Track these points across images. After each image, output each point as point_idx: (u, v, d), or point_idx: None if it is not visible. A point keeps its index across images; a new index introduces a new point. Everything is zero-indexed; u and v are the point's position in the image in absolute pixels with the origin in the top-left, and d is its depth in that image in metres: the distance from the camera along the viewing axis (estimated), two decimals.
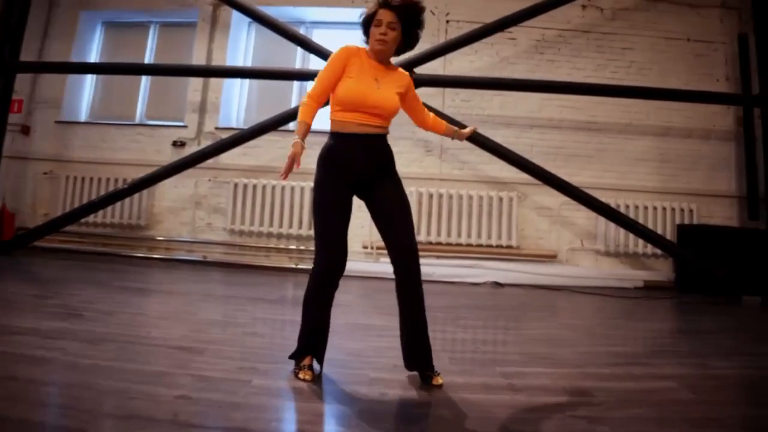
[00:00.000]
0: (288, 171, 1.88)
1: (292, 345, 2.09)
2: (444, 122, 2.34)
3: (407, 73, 2.13)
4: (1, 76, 5.35)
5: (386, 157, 2.03)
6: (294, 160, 1.87)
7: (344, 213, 1.98)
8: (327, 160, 1.99)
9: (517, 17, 5.07)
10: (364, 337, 2.74)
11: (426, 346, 2.00)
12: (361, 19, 2.05)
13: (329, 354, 2.10)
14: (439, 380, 1.95)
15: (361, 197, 2.04)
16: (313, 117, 1.99)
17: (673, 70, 5.72)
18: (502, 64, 5.64)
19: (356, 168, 1.96)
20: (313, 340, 2.02)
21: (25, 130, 5.91)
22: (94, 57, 6.30)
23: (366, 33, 2.03)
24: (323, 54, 4.98)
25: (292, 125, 5.24)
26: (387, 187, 2.00)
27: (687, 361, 2.51)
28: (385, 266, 4.97)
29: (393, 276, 1.99)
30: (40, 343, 2.18)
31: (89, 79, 6.23)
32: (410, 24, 1.98)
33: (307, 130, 1.96)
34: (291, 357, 2.06)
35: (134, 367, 1.98)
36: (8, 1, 5.41)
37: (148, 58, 6.20)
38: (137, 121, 6.04)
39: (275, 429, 1.57)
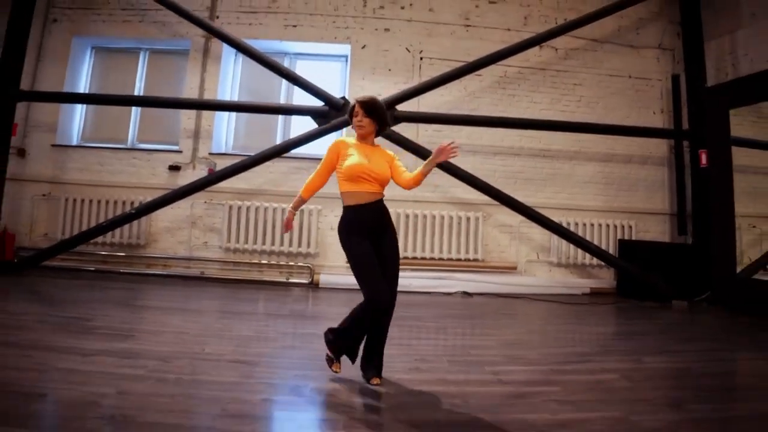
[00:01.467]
0: (286, 229, 2.80)
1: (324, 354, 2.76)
2: (417, 174, 2.64)
3: (389, 152, 2.78)
4: (3, 105, 5.64)
5: (386, 216, 2.69)
6: (287, 224, 2.77)
7: (374, 260, 2.55)
8: (347, 228, 2.63)
9: (486, 61, 5.83)
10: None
11: (380, 358, 2.66)
12: (347, 113, 2.81)
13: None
14: (377, 381, 2.58)
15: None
16: (309, 194, 2.76)
17: (617, 104, 6.58)
18: (469, 98, 6.34)
19: (368, 225, 2.59)
20: (351, 343, 2.61)
21: (21, 153, 6.18)
22: (84, 80, 6.60)
23: (351, 122, 2.78)
24: (305, 86, 5.57)
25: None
26: (386, 242, 2.63)
27: (626, 357, 3.30)
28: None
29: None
30: (121, 363, 2.69)
31: (80, 104, 6.53)
32: (374, 112, 2.69)
33: (300, 203, 2.77)
34: (330, 353, 2.62)
35: (213, 378, 2.52)
36: (10, 37, 5.70)
37: (138, 82, 6.57)
38: (129, 144, 6.41)
39: (351, 413, 2.18)
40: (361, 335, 2.60)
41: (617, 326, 4.66)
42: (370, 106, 2.67)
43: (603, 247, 6.13)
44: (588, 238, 6.12)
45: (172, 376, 2.52)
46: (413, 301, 5.29)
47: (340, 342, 2.61)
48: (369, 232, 2.58)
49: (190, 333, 3.47)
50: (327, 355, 2.65)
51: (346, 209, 2.66)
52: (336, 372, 2.58)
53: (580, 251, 6.22)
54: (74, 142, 6.41)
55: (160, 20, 6.35)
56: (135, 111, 6.49)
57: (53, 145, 6.21)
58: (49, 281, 5.19)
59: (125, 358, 2.78)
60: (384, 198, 2.66)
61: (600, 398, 2.50)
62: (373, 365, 2.64)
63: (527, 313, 5.03)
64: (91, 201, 6.00)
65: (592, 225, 6.33)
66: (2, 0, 6.01)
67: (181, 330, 3.56)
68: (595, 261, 6.25)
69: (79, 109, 6.54)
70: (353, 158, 2.60)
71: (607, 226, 6.36)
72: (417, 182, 2.67)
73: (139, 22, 6.39)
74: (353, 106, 2.70)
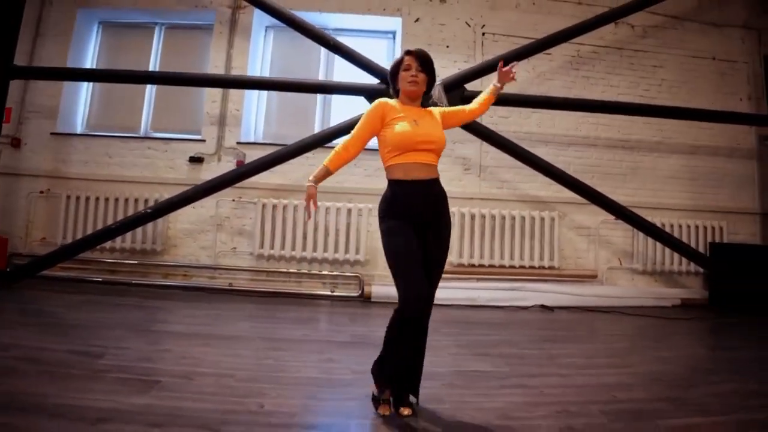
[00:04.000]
0: (309, 211, 2.13)
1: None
2: (486, 98, 2.40)
3: (434, 108, 2.32)
4: None
5: (442, 201, 2.17)
6: (309, 201, 2.12)
7: (416, 253, 2.04)
8: (390, 208, 2.10)
9: (556, 39, 5.01)
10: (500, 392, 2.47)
11: (417, 375, 2.18)
12: (389, 69, 2.27)
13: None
14: (407, 411, 2.07)
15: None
16: (338, 166, 2.18)
17: (701, 89, 5.75)
18: (538, 80, 5.49)
19: (416, 211, 2.07)
20: (396, 373, 2.09)
21: (16, 143, 5.25)
22: (90, 60, 5.69)
23: (394, 80, 2.24)
24: (357, 60, 4.70)
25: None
26: (437, 234, 2.12)
27: None
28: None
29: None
30: None
31: (86, 86, 5.63)
32: (429, 66, 2.20)
33: (325, 176, 2.15)
34: (376, 390, 2.14)
35: None
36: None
37: (153, 63, 5.65)
38: (142, 133, 5.49)
39: None
40: (403, 354, 2.08)
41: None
42: (426, 59, 2.19)
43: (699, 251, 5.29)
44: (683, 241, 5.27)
45: None
46: (486, 318, 4.39)
47: (385, 371, 2.11)
48: (415, 217, 2.07)
49: (236, 377, 2.50)
50: (372, 394, 2.17)
51: (392, 184, 2.13)
52: (383, 414, 2.04)
53: (667, 256, 5.37)
54: (78, 130, 5.48)
55: None
56: (149, 95, 5.57)
57: (53, 134, 5.27)
58: (46, 295, 4.25)
59: (151, 426, 1.84)
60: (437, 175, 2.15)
61: None
62: (404, 390, 2.13)
63: (641, 334, 4.05)
64: (97, 199, 5.05)
65: (680, 226, 5.47)
66: None
67: (222, 371, 2.58)
68: (684, 267, 5.39)
69: (84, 93, 5.61)
70: (404, 125, 2.11)
71: (696, 227, 5.51)
72: (486, 106, 2.43)
73: None
74: (400, 59, 2.20)
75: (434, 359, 2.96)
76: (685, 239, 5.42)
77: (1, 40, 4.75)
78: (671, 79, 5.72)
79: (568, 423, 2.07)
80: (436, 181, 2.14)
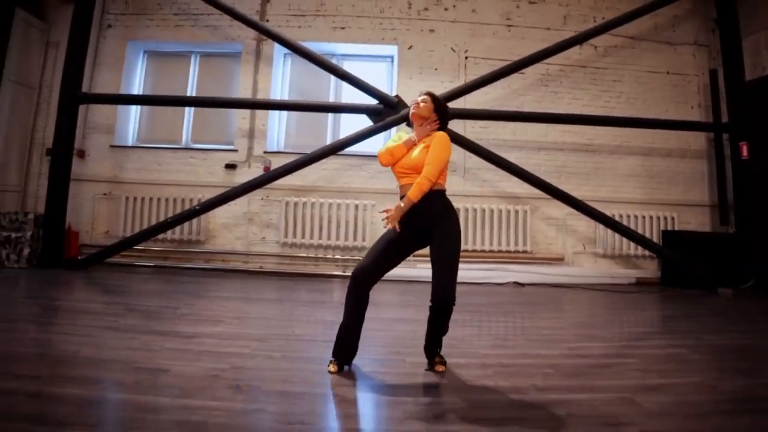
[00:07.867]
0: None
1: (402, 336, 3.03)
2: (415, 191, 2.45)
3: (440, 133, 2.57)
4: (70, 108, 5.84)
5: (431, 210, 2.48)
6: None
7: (395, 246, 2.49)
8: None
9: (529, 60, 6.00)
10: None
11: (436, 346, 2.62)
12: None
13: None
14: (440, 368, 2.55)
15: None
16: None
17: (656, 100, 6.73)
18: (513, 95, 6.52)
19: (410, 221, 2.48)
20: (342, 337, 2.53)
21: (81, 154, 6.39)
22: (138, 83, 6.82)
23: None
24: (359, 84, 5.75)
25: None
26: (438, 238, 2.46)
27: (687, 335, 3.52)
28: (420, 271, 5.86)
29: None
30: (223, 343, 2.86)
31: (135, 106, 6.75)
32: (439, 106, 2.69)
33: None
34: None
35: (316, 356, 2.69)
36: (72, 41, 5.91)
37: (191, 85, 6.77)
38: (183, 144, 6.61)
39: (457, 378, 2.34)
40: (347, 318, 2.51)
41: (670, 310, 4.81)
42: (436, 96, 2.71)
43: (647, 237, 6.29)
44: (632, 228, 6.27)
45: (277, 353, 2.71)
46: (468, 290, 5.43)
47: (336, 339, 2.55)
48: (411, 227, 2.48)
49: (273, 318, 3.69)
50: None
51: None
52: (330, 371, 2.47)
53: (624, 242, 6.36)
54: (130, 143, 6.62)
55: (212, 24, 6.57)
56: (188, 113, 6.69)
57: (112, 146, 6.42)
58: (117, 276, 5.37)
59: (225, 339, 2.97)
60: (439, 188, 2.54)
61: (677, 368, 2.71)
62: (430, 353, 2.63)
63: (582, 300, 5.17)
64: (150, 199, 6.20)
65: (636, 217, 6.48)
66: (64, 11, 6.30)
67: (263, 316, 3.77)
68: (639, 251, 6.39)
69: (134, 112, 6.75)
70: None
71: (650, 217, 6.51)
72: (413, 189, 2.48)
73: (191, 26, 6.61)
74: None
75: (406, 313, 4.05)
76: (640, 228, 6.42)
77: (72, 75, 5.89)
78: (629, 92, 6.71)
79: (498, 343, 3.15)
80: (426, 195, 2.46)
